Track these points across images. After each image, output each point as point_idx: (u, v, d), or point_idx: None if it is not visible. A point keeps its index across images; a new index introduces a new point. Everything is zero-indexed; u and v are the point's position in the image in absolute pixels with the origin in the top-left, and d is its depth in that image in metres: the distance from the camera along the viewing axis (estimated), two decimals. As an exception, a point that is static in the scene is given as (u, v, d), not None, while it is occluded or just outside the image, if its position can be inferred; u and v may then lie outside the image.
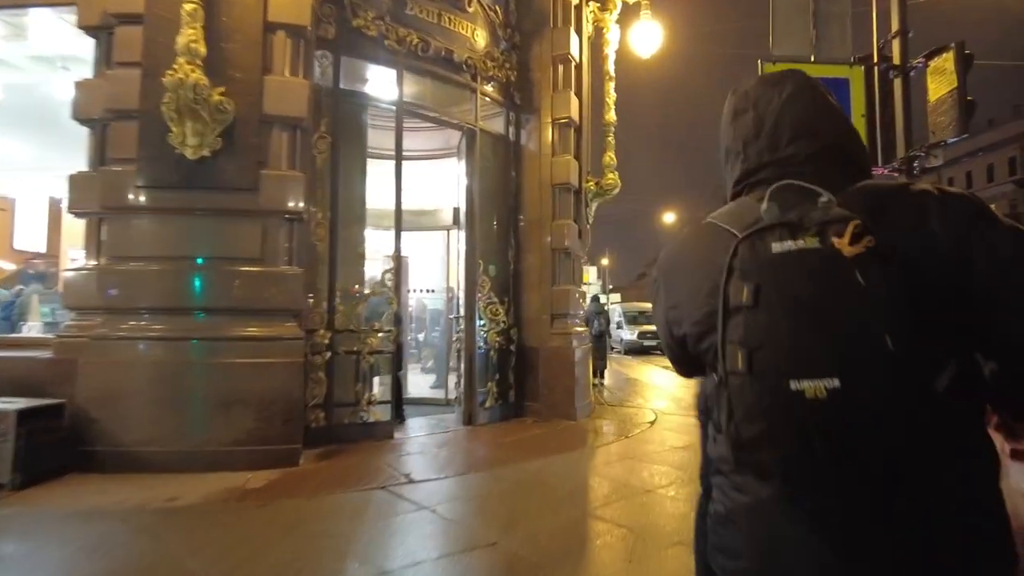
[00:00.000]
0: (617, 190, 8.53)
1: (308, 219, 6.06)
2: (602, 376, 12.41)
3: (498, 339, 7.53)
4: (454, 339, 7.60)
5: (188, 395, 5.06)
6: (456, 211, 8.00)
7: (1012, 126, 48.87)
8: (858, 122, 5.73)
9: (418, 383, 9.64)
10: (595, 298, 13.43)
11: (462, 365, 7.27)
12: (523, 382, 7.79)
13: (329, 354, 6.08)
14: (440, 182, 8.95)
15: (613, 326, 24.91)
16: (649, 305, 21.99)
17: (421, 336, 11.15)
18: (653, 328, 28.31)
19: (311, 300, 6.04)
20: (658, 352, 28.08)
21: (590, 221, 8.69)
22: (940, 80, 5.42)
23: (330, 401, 6.09)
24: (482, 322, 7.37)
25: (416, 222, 9.06)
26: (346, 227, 6.42)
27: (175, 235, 5.23)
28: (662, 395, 11.81)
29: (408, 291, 9.41)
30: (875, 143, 5.73)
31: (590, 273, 28.94)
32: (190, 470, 4.87)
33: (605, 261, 61.98)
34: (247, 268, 5.31)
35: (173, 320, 5.15)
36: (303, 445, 5.63)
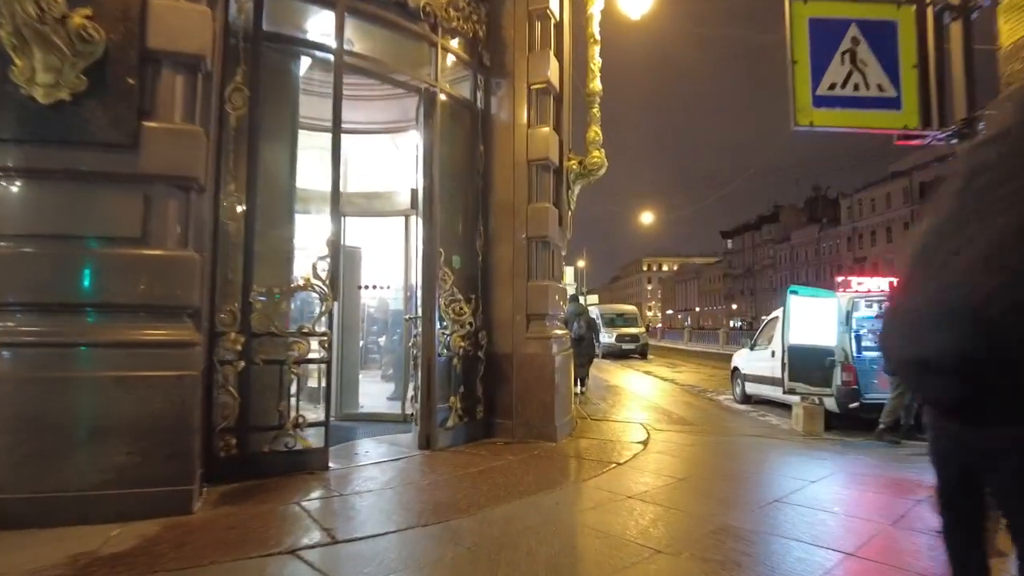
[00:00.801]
0: (603, 170, 7.33)
1: (219, 193, 4.76)
2: (583, 384, 11.22)
3: (463, 344, 6.27)
4: (410, 344, 6.31)
5: (37, 422, 3.71)
6: (414, 193, 6.73)
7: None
8: (908, 75, 4.61)
9: (375, 395, 8.33)
10: (574, 298, 12.24)
11: (419, 376, 5.99)
12: (493, 395, 6.54)
13: (243, 364, 4.76)
14: (398, 160, 7.67)
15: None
16: (628, 307, 20.77)
17: (383, 340, 9.82)
18: (632, 331, 27.38)
19: (224, 295, 4.74)
20: (636, 356, 27.19)
21: (572, 207, 7.47)
22: (1016, 19, 4.33)
23: (245, 424, 4.77)
24: (444, 324, 6.10)
25: (368, 207, 7.76)
26: (270, 205, 5.11)
27: (19, 206, 3.88)
28: (646, 405, 10.64)
29: (363, 287, 8.10)
30: (928, 102, 4.61)
31: (567, 273, 27.86)
32: (44, 524, 3.55)
33: (582, 263, 61.05)
34: (121, 251, 3.98)
35: (14, 320, 3.79)
36: (206, 482, 4.35)
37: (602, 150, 7.37)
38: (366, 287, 8.04)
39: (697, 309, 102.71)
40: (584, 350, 10.50)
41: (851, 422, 8.03)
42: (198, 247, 4.30)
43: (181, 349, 4.06)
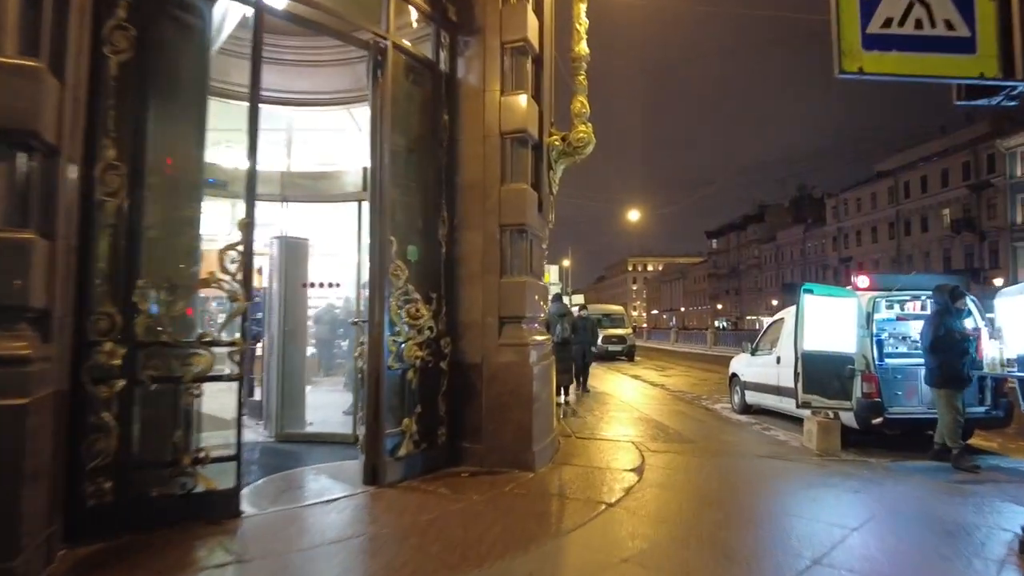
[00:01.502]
0: (590, 148, 6.26)
1: (92, 160, 3.63)
2: (567, 393, 10.13)
3: (421, 354, 5.16)
4: (356, 355, 5.21)
5: None
6: (367, 172, 5.62)
7: (965, 132, 49.08)
8: (985, 9, 3.58)
9: (328, 409, 7.21)
10: (557, 297, 11.18)
11: (365, 393, 4.89)
12: (458, 415, 5.45)
13: (124, 383, 3.64)
14: (355, 137, 6.56)
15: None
16: (614, 307, 19.81)
17: (337, 346, 8.70)
18: (620, 332, 26.37)
19: (99, 294, 3.61)
20: (622, 358, 26.19)
21: (555, 190, 6.40)
22: None
23: (126, 461, 3.66)
24: (395, 329, 4.99)
25: (315, 189, 6.63)
26: (167, 181, 3.99)
27: None
28: (637, 417, 9.57)
29: (309, 285, 6.96)
30: (1010, 45, 3.59)
31: (551, 272, 26.82)
32: None
33: (567, 262, 60.28)
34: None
35: None
36: (67, 540, 3.32)
37: (589, 125, 6.30)
38: (313, 285, 6.91)
39: (682, 309, 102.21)
40: (568, 354, 9.43)
41: (870, 439, 7.04)
42: (46, 228, 3.17)
43: (17, 368, 2.92)
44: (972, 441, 7.09)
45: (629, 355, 25.47)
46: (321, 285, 7.01)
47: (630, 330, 26.64)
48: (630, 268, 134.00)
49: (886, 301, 7.36)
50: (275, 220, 6.55)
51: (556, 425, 6.78)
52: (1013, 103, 4.00)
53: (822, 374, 6.73)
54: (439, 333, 5.36)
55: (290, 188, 6.47)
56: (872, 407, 6.72)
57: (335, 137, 7.02)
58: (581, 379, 12.01)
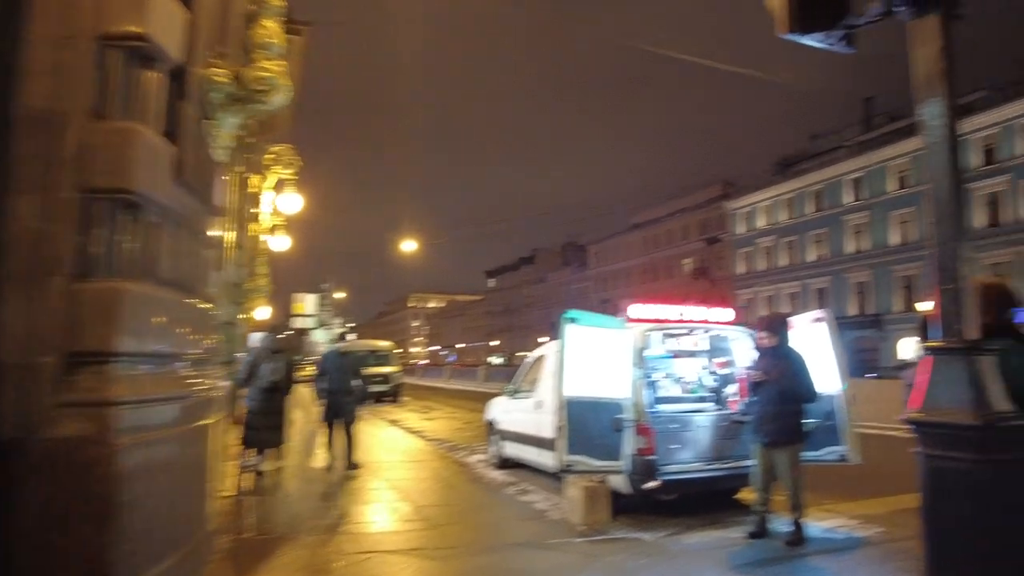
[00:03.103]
0: (280, 98, 4.14)
1: None
2: (261, 454, 7.50)
3: None
4: None
5: None
6: None
7: (702, 192, 56.63)
8: None
9: None
10: (276, 331, 8.78)
11: None
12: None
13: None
14: None
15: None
16: (381, 343, 17.33)
17: None
18: (384, 370, 24.04)
19: None
20: (388, 399, 23.87)
21: (219, 151, 4.13)
22: None
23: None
24: None
25: None
26: None
27: None
28: (374, 486, 7.35)
29: None
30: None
31: (304, 302, 23.73)
32: None
33: (342, 294, 56.79)
34: None
35: None
36: None
37: (284, 65, 4.21)
38: None
39: (462, 346, 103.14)
40: (274, 406, 6.98)
41: (645, 502, 5.76)
42: None
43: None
44: (740, 496, 6.21)
45: (395, 395, 23.29)
46: None
47: (398, 368, 24.48)
48: (411, 304, 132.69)
49: (662, 334, 6.27)
50: None
51: (212, 522, 4.39)
52: (851, 49, 2.83)
53: (590, 427, 5.28)
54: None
55: None
56: (646, 467, 5.43)
57: None
58: (344, 441, 8.24)
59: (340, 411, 8.21)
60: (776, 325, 5.21)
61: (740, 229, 50.96)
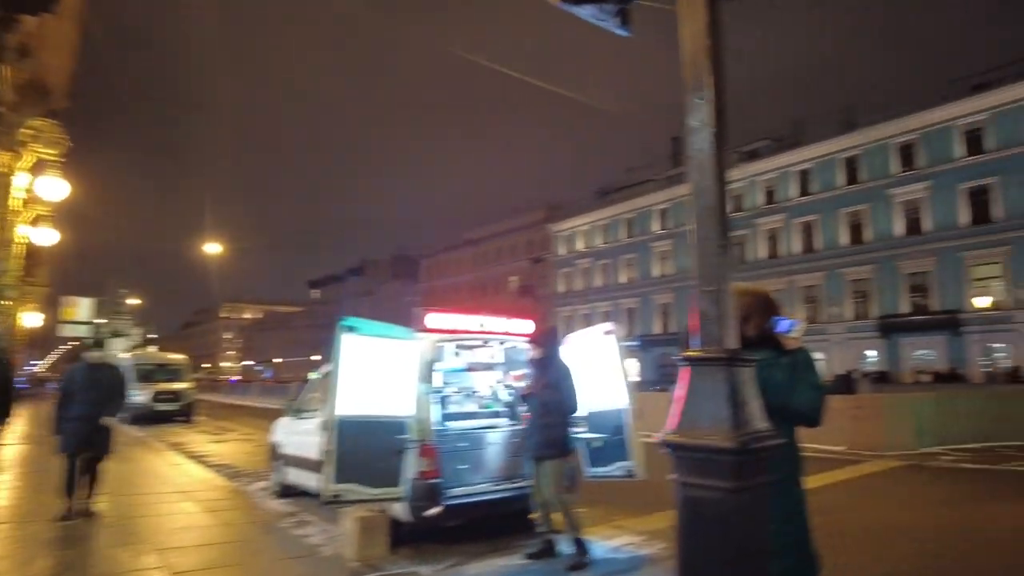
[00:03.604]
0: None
1: None
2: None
3: None
4: None
5: None
6: None
7: (530, 214, 58.69)
8: None
9: None
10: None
11: None
12: None
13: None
14: None
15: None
16: (174, 356, 15.09)
17: None
18: (176, 387, 21.31)
19: None
20: (180, 418, 21.14)
21: None
22: None
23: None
24: None
25: None
26: None
27: None
28: (125, 531, 5.95)
29: None
30: None
31: (80, 306, 20.37)
32: None
33: (136, 300, 50.57)
34: None
35: None
36: None
37: None
38: None
39: (280, 360, 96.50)
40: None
41: (427, 534, 5.23)
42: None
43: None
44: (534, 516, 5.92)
45: (187, 415, 20.69)
46: None
47: (191, 384, 21.83)
48: (224, 315, 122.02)
49: (455, 346, 5.83)
50: None
51: None
52: (626, 31, 2.57)
53: (366, 450, 4.64)
54: None
55: None
56: (428, 492, 4.90)
57: None
58: (84, 478, 6.34)
59: (88, 441, 6.39)
60: (544, 338, 5.07)
61: (561, 250, 53.52)
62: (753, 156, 42.06)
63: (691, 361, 1.93)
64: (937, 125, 33.18)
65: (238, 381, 65.66)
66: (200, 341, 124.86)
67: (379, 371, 4.81)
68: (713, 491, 1.75)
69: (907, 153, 34.44)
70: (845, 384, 28.65)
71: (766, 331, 2.28)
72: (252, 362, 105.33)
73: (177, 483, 9.15)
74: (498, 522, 5.54)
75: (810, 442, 8.80)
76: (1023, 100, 30.41)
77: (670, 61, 2.23)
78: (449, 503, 4.99)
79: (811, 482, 7.85)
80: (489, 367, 6.06)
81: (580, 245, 52.05)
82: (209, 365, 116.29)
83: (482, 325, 5.77)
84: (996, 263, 31.10)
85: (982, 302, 29.78)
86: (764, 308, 2.34)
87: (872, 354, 35.18)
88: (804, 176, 38.98)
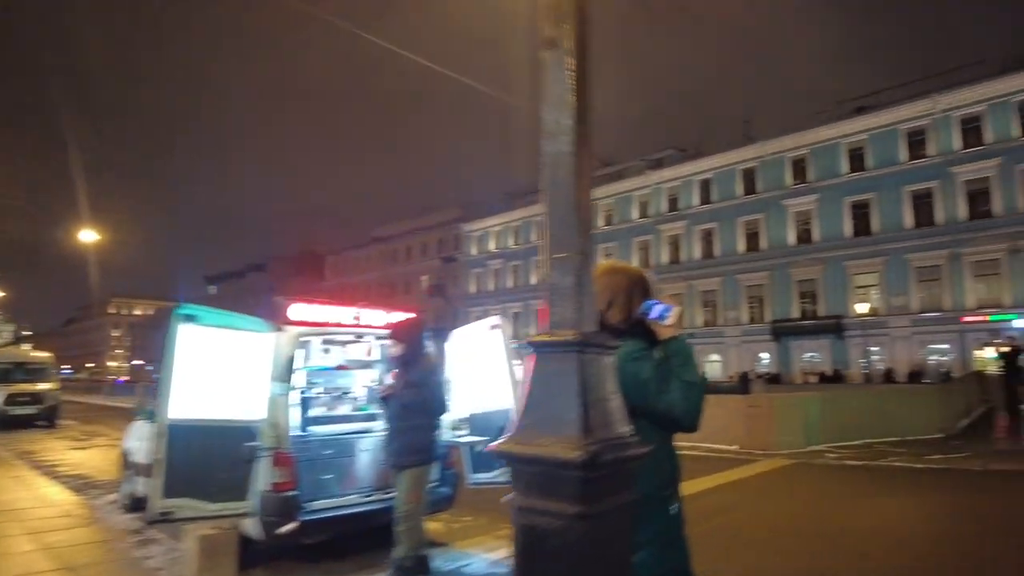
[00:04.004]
0: None
1: None
2: None
3: None
4: None
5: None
6: None
7: (437, 214, 57.81)
8: None
9: None
10: None
11: None
12: None
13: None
14: None
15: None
16: (35, 354, 13.29)
17: None
18: (37, 388, 19.04)
19: None
20: (41, 423, 18.95)
21: None
22: None
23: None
24: None
25: None
26: None
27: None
28: None
29: None
30: None
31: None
32: None
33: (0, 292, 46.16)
34: None
35: None
36: None
37: None
38: None
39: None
40: None
41: (285, 552, 4.60)
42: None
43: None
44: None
45: (50, 418, 18.58)
46: None
47: (55, 384, 19.63)
48: (112, 311, 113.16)
49: (323, 341, 5.21)
50: None
51: None
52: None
53: (203, 460, 3.98)
54: None
55: None
56: (283, 506, 4.27)
57: None
58: None
59: None
60: (404, 332, 4.41)
61: (473, 251, 53.08)
62: (659, 164, 43.41)
63: (536, 347, 1.50)
64: (826, 142, 35.35)
65: (125, 382, 60.74)
66: (84, 339, 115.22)
67: (225, 368, 4.15)
68: (555, 518, 1.32)
69: (800, 167, 36.49)
70: (743, 384, 29.93)
71: (636, 318, 1.90)
72: (142, 362, 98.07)
73: (10, 499, 7.94)
74: (369, 537, 4.98)
75: (705, 442, 8.73)
76: (895, 124, 32.96)
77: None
78: (309, 518, 4.39)
79: (706, 483, 7.71)
80: (366, 365, 5.48)
81: (492, 246, 51.80)
82: (93, 365, 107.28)
83: (357, 318, 5.16)
84: (874, 272, 33.45)
85: (862, 308, 31.89)
86: (634, 290, 1.96)
87: (765, 356, 36.98)
88: (705, 185, 40.55)
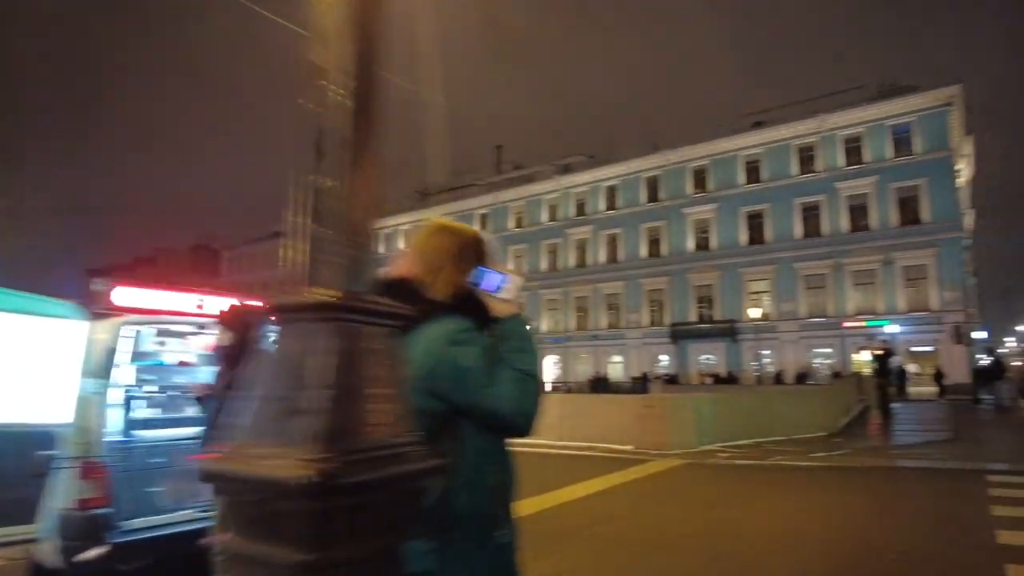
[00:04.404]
0: None
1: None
2: None
3: None
4: None
5: None
6: None
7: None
8: None
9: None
10: None
11: None
12: None
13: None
14: None
15: None
16: None
17: None
18: None
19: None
20: None
21: None
22: None
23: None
24: None
25: None
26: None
27: None
28: None
29: None
30: None
31: None
32: None
33: None
34: None
35: None
36: None
37: None
38: None
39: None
40: None
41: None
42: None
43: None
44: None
45: None
46: None
47: None
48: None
49: (157, 332, 4.47)
50: None
51: None
52: None
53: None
54: None
55: None
56: (87, 526, 3.54)
57: None
58: None
59: None
60: (235, 319, 3.53)
61: (381, 248, 51.66)
62: (567, 170, 43.94)
63: (279, 312, 1.02)
64: (725, 153, 36.97)
65: None
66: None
67: (15, 361, 3.39)
68: (272, 571, 0.85)
69: (700, 177, 37.98)
70: (642, 385, 30.64)
71: (465, 289, 1.47)
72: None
73: None
74: (206, 559, 4.29)
75: (601, 442, 8.39)
76: (787, 140, 34.98)
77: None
78: (125, 539, 3.67)
79: (597, 484, 7.36)
80: (208, 361, 4.77)
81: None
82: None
83: (200, 306, 4.46)
84: (766, 279, 35.27)
85: (755, 313, 33.50)
86: (465, 254, 1.52)
87: (665, 358, 38.14)
88: (612, 192, 41.44)
